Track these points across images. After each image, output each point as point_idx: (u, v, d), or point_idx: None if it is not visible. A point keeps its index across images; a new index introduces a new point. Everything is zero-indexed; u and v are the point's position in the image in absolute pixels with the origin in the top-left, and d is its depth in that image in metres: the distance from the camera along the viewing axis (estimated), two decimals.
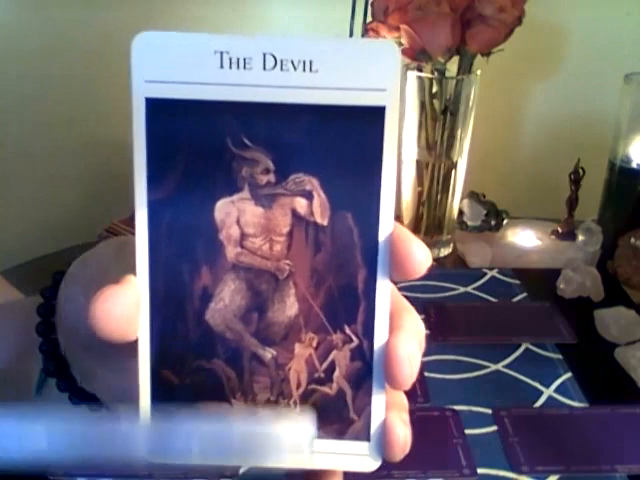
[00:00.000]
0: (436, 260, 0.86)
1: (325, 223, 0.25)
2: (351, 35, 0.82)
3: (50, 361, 0.33)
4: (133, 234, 0.26)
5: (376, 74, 0.24)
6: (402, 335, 0.25)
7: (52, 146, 0.95)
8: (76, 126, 0.94)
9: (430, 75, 0.79)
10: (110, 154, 0.93)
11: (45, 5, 0.89)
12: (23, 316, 0.35)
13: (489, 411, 0.60)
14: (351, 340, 0.26)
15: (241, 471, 0.52)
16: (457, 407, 0.60)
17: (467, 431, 0.57)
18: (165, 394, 0.26)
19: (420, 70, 0.80)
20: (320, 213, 0.25)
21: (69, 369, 0.33)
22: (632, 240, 0.80)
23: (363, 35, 0.80)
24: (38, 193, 0.96)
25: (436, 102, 0.80)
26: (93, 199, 0.95)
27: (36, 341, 0.33)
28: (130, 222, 0.76)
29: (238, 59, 0.24)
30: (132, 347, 0.26)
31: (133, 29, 0.24)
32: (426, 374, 0.64)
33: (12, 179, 0.93)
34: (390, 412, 0.26)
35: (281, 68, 0.24)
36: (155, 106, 0.24)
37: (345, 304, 0.26)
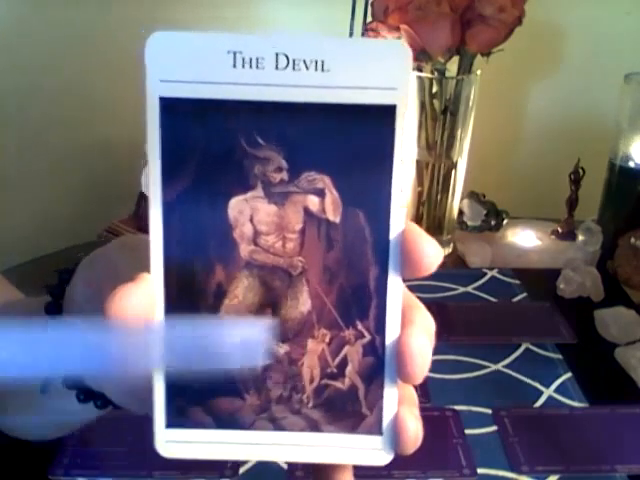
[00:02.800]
0: None
1: (337, 221, 0.26)
2: (351, 35, 0.82)
3: None
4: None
5: (387, 73, 0.24)
6: (414, 330, 0.26)
7: (52, 146, 0.95)
8: (76, 126, 0.94)
9: (430, 75, 0.79)
10: (110, 154, 0.93)
11: (44, 5, 0.89)
12: (26, 315, 0.35)
13: (489, 411, 0.60)
14: (363, 336, 0.26)
15: (241, 471, 0.52)
16: (457, 407, 0.60)
17: (467, 431, 0.57)
18: (178, 390, 0.26)
19: (420, 70, 0.80)
20: (332, 211, 0.26)
21: None
22: (632, 240, 0.80)
23: (363, 35, 0.80)
24: (38, 193, 0.96)
25: (436, 102, 0.80)
26: (93, 199, 0.96)
27: None
28: (130, 222, 0.76)
29: (251, 59, 0.24)
30: None
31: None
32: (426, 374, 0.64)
33: (12, 179, 0.93)
34: (402, 406, 0.26)
35: (293, 68, 0.24)
36: (169, 105, 0.25)
37: (357, 300, 0.26)
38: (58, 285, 0.33)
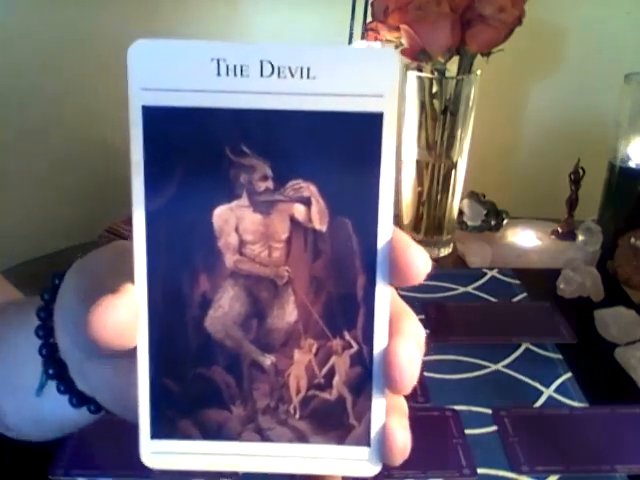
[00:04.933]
0: (436, 260, 0.86)
1: (324, 229, 0.25)
2: (351, 35, 0.82)
3: (49, 364, 0.33)
4: (128, 238, 0.26)
5: (374, 80, 0.24)
6: (402, 340, 0.25)
7: (52, 146, 0.95)
8: (76, 126, 0.94)
9: (430, 75, 0.79)
10: (110, 154, 0.93)
11: (44, 5, 0.89)
12: (24, 318, 0.34)
13: (489, 411, 0.60)
14: (350, 346, 0.26)
15: (241, 472, 0.52)
16: (457, 407, 0.60)
17: (467, 431, 0.57)
18: (164, 401, 0.26)
19: (420, 70, 0.80)
20: (318, 219, 0.25)
21: (68, 372, 0.33)
22: (632, 240, 0.80)
23: (363, 35, 0.80)
24: (38, 193, 0.96)
25: (436, 102, 0.80)
26: (93, 199, 0.95)
27: (36, 344, 0.33)
28: (130, 222, 0.76)
29: (235, 66, 0.24)
30: (130, 349, 0.26)
31: (129, 32, 0.24)
32: (426, 374, 0.64)
33: (12, 179, 0.93)
34: (390, 417, 0.26)
35: (278, 75, 0.24)
36: (152, 114, 0.24)
37: (344, 310, 0.26)
38: (50, 289, 0.33)
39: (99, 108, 0.90)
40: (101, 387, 0.31)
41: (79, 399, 0.33)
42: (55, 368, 0.33)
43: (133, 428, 0.26)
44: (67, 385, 0.33)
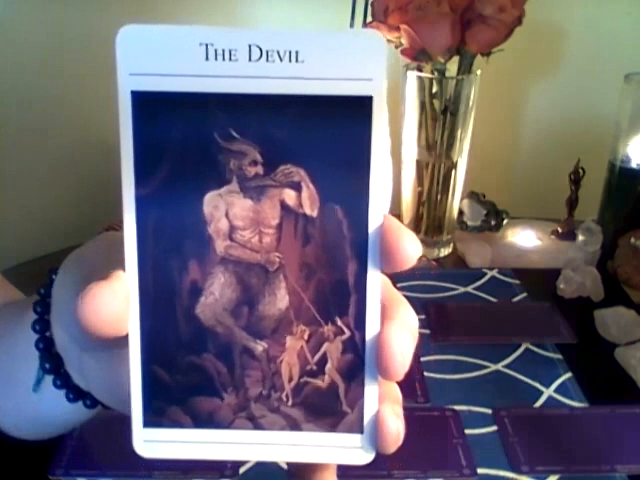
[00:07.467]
0: (436, 260, 0.86)
1: (314, 214, 0.25)
2: None
3: (46, 359, 0.33)
4: (118, 230, 0.26)
5: (362, 64, 0.24)
6: (394, 326, 0.25)
7: (52, 146, 0.95)
8: (76, 126, 0.94)
9: (430, 75, 0.79)
10: (110, 154, 0.93)
11: (44, 5, 0.89)
12: (21, 314, 0.35)
13: (489, 411, 0.60)
14: (343, 332, 0.26)
15: (241, 471, 0.52)
16: (457, 407, 0.60)
17: (467, 431, 0.57)
18: (156, 389, 0.26)
19: (420, 70, 0.80)
20: (309, 204, 0.25)
21: (64, 367, 0.33)
22: (632, 240, 0.80)
23: None
24: (38, 193, 0.96)
25: (436, 102, 0.80)
26: (93, 199, 0.95)
27: (33, 338, 0.33)
28: None
29: (223, 50, 0.24)
30: (123, 340, 0.26)
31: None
32: (426, 374, 0.64)
33: (12, 179, 0.93)
34: (383, 404, 0.26)
35: (267, 59, 0.24)
36: (141, 99, 0.24)
37: (336, 296, 0.26)
38: (47, 284, 0.33)
39: (99, 108, 0.90)
40: (97, 380, 0.31)
41: (75, 394, 0.33)
42: (51, 362, 0.33)
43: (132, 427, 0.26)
44: (63, 380, 0.33)
